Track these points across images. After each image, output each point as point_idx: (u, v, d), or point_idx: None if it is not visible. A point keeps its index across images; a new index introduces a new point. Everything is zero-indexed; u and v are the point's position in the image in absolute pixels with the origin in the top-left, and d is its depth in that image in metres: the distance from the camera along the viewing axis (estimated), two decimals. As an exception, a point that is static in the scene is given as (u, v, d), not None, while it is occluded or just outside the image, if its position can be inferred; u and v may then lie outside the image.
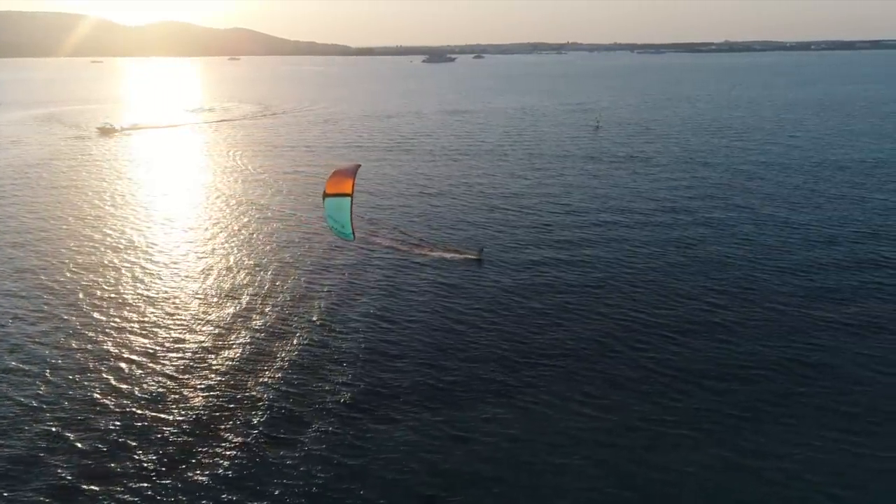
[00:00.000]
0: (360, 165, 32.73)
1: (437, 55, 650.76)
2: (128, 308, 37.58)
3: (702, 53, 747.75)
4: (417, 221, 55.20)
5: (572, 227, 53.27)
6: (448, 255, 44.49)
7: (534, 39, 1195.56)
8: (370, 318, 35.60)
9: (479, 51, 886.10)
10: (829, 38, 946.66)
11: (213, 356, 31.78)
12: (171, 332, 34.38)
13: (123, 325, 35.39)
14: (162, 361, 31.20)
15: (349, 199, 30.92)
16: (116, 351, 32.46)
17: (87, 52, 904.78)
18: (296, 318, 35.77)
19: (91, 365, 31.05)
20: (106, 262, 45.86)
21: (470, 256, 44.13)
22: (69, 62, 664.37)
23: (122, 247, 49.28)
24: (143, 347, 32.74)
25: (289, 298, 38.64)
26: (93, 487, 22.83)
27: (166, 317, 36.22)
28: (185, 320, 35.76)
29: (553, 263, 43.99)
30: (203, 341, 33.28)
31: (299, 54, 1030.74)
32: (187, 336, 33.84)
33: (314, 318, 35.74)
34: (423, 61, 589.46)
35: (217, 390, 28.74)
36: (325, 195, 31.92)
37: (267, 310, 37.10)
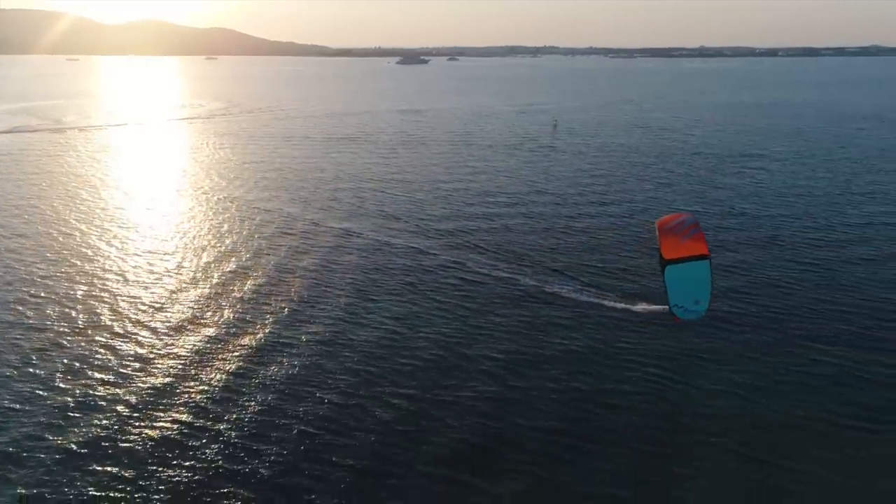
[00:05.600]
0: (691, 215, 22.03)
1: (410, 57, 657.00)
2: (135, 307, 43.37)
3: (673, 58, 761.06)
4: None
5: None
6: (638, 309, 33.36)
7: (511, 42, 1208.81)
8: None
9: (456, 53, 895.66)
10: (796, 45, 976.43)
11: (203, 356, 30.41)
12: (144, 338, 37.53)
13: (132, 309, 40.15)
14: (145, 365, 29.66)
15: (708, 262, 21.09)
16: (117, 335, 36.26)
17: (64, 50, 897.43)
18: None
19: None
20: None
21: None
22: (44, 60, 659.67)
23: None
24: (145, 341, 31.98)
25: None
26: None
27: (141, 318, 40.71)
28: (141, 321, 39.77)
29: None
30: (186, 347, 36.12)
31: (279, 54, 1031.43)
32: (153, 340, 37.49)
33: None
34: (398, 63, 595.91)
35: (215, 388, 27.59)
36: (666, 262, 21.12)
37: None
